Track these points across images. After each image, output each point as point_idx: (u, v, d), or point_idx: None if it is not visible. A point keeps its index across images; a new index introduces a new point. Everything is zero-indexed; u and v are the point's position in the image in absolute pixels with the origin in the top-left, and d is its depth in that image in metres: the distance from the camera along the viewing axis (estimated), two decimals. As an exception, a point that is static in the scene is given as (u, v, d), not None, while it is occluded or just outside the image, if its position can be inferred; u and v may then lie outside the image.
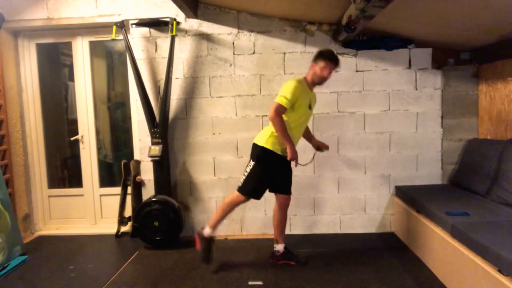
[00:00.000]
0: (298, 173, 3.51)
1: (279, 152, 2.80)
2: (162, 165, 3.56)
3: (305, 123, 2.91)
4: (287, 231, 3.33)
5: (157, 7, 3.65)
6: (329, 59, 2.74)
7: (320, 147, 3.15)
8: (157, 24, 3.63)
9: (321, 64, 2.75)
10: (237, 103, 3.69)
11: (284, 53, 3.61)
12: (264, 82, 3.66)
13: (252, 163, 2.87)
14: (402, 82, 3.62)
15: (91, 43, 3.96)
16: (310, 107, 2.85)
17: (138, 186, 3.78)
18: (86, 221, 4.10)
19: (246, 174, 2.89)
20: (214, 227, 2.96)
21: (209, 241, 2.96)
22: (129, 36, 3.63)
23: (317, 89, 3.58)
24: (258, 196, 2.92)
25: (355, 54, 3.62)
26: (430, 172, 3.67)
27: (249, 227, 3.77)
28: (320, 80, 2.79)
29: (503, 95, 3.22)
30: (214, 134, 3.74)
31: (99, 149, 4.09)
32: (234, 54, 3.67)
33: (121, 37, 3.59)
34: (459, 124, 3.63)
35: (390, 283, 2.68)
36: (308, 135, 3.19)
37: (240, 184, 2.93)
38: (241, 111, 3.69)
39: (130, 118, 3.97)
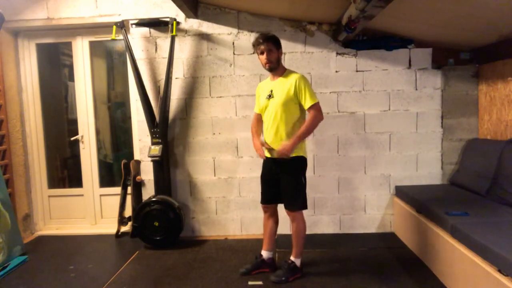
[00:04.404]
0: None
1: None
2: (162, 165, 3.56)
3: (269, 112, 2.75)
4: (287, 231, 3.34)
5: (157, 7, 3.65)
6: (253, 45, 2.77)
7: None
8: (157, 24, 3.63)
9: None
10: (237, 103, 3.69)
11: (284, 53, 3.61)
12: (264, 82, 3.66)
13: None
14: (402, 82, 3.62)
15: (91, 43, 3.96)
16: (270, 96, 2.75)
17: (138, 186, 3.78)
18: (86, 221, 4.10)
19: None
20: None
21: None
22: (129, 36, 3.63)
23: (317, 89, 3.63)
24: (261, 199, 2.92)
25: (355, 54, 3.62)
26: (430, 172, 3.67)
27: (249, 227, 3.77)
28: (265, 66, 2.74)
29: (503, 95, 3.22)
30: (214, 134, 3.74)
31: (99, 149, 4.09)
32: (234, 54, 3.67)
33: (121, 37, 3.59)
34: (459, 124, 3.63)
35: (390, 283, 2.68)
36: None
37: None
38: (241, 111, 3.69)
39: (130, 118, 3.97)
